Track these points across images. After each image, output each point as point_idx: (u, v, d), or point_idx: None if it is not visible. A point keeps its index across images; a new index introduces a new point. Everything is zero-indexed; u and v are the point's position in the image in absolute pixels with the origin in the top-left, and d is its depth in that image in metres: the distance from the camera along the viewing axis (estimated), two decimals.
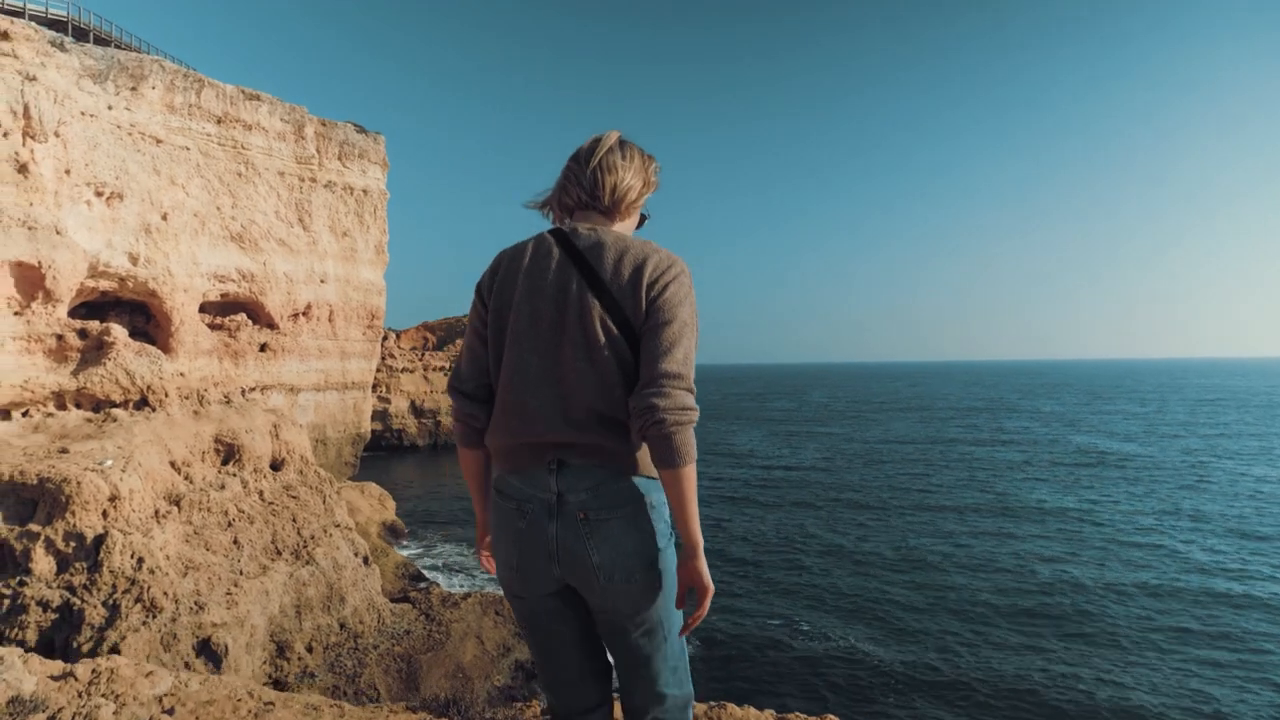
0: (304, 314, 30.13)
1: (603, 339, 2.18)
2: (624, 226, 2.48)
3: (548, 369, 2.24)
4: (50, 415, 16.74)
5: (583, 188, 2.38)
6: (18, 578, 12.32)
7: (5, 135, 16.61)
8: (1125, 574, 27.37)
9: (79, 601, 12.25)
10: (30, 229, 16.70)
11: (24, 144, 17.00)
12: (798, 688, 18.61)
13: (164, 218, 22.79)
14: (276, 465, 19.68)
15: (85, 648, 11.79)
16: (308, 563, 17.16)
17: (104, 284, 20.66)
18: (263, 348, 27.95)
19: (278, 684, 14.84)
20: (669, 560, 2.29)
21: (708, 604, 2.23)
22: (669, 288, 2.20)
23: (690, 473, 2.14)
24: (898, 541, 32.18)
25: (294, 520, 17.91)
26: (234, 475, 17.75)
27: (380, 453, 57.04)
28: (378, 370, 46.86)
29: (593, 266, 2.23)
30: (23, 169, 16.86)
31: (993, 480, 46.75)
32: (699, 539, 2.21)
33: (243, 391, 22.78)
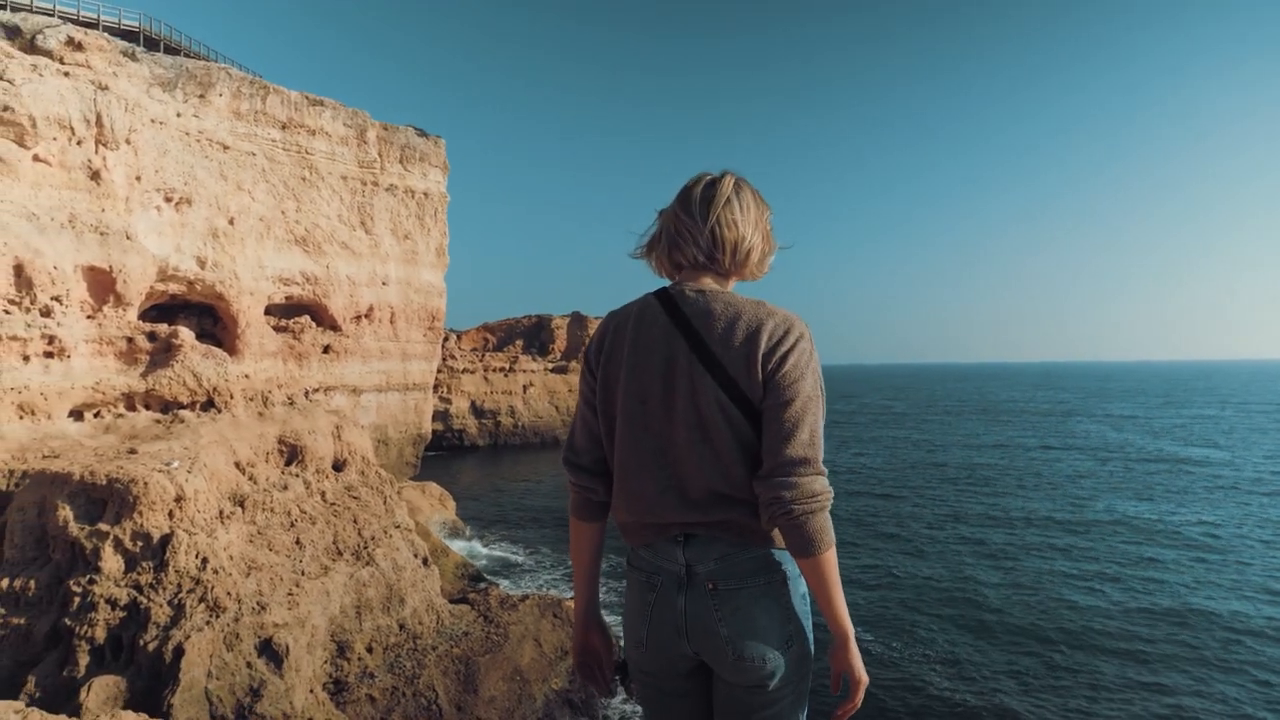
0: (366, 316, 30.50)
1: (717, 417, 2.00)
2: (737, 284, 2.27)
3: (661, 449, 2.07)
4: (120, 416, 17.14)
5: (700, 248, 2.12)
6: (88, 576, 12.55)
7: (79, 143, 17.05)
8: (1213, 594, 26.15)
9: (145, 600, 12.43)
10: (102, 234, 17.12)
11: (96, 151, 17.45)
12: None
13: (230, 222, 23.24)
14: (338, 466, 19.87)
15: (151, 646, 11.96)
16: (368, 563, 17.24)
17: (173, 287, 21.13)
18: (326, 349, 28.35)
19: (338, 684, 14.93)
20: (804, 641, 2.11)
21: (860, 696, 2.05)
22: (788, 358, 1.99)
23: (829, 558, 1.97)
24: (970, 555, 31.16)
25: (355, 521, 18.03)
26: (297, 476, 17.94)
27: (441, 452, 57.71)
28: (438, 371, 47.39)
29: (701, 336, 2.03)
30: (95, 176, 17.30)
31: (1068, 489, 45.05)
32: (848, 626, 2.04)
33: (306, 393, 23.10)
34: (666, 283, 2.23)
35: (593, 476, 2.25)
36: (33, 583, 12.61)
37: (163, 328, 18.73)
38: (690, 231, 2.12)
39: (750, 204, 2.15)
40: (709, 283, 2.14)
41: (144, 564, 12.87)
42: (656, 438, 2.07)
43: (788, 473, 1.93)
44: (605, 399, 2.18)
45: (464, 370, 65.65)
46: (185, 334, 18.81)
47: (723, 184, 2.13)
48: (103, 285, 17.37)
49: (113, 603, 12.39)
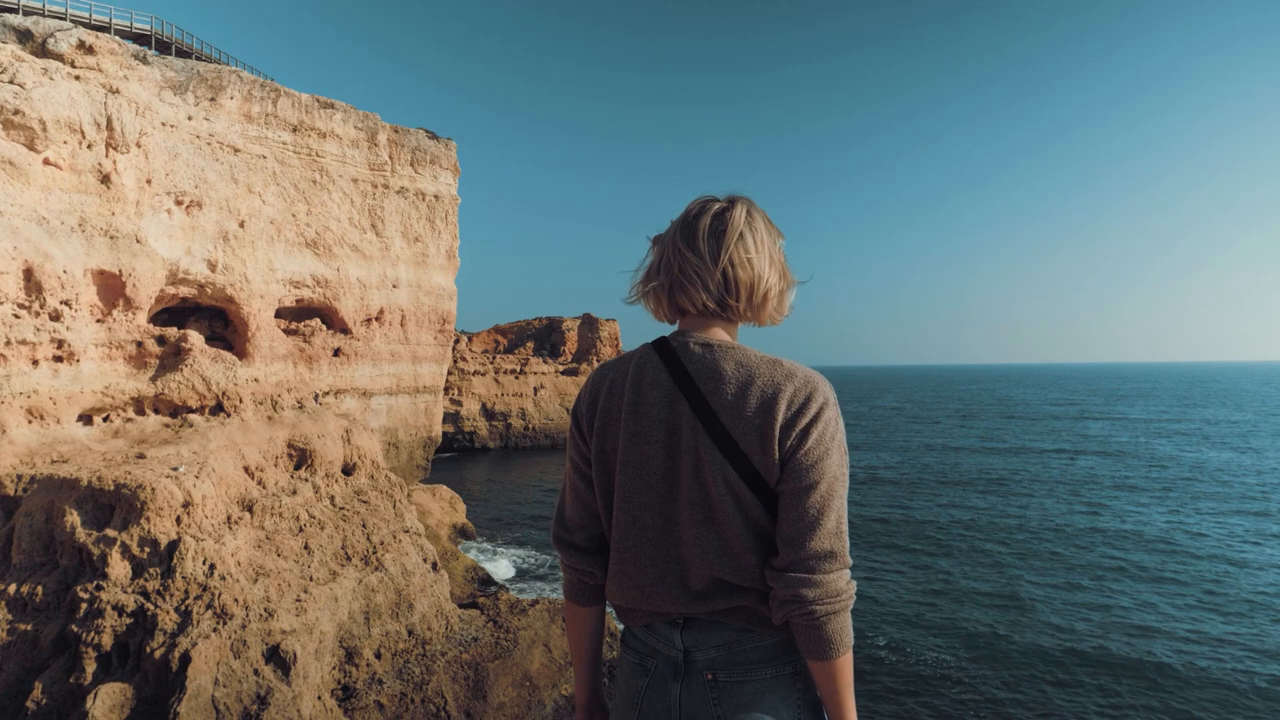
0: (377, 319, 30.48)
1: (725, 498, 1.74)
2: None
3: (662, 529, 1.82)
4: (130, 420, 17.09)
5: (709, 292, 1.81)
6: (95, 582, 12.49)
7: (89, 147, 17.03)
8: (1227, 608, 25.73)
9: (153, 607, 12.35)
10: (112, 238, 17.10)
11: (107, 155, 17.43)
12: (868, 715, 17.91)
13: (241, 225, 23.22)
14: (348, 470, 19.79)
15: (158, 653, 11.87)
16: (377, 569, 17.15)
17: (183, 290, 21.12)
18: (336, 352, 28.33)
19: (346, 690, 14.83)
20: None
21: None
22: (810, 432, 1.71)
23: (845, 663, 1.73)
24: (988, 562, 30.80)
25: (364, 526, 17.94)
26: (306, 480, 17.86)
27: (452, 454, 57.70)
28: (449, 373, 47.34)
29: (707, 401, 1.76)
30: (105, 179, 17.28)
31: (1092, 497, 44.36)
32: None
33: (316, 396, 23.03)
34: (666, 327, 1.96)
35: (588, 557, 1.98)
36: (40, 588, 12.55)
37: (172, 331, 18.68)
38: (698, 272, 1.80)
39: (764, 236, 1.85)
40: (718, 333, 1.86)
41: (151, 570, 12.80)
42: (657, 516, 1.81)
43: (811, 568, 1.69)
44: (601, 469, 1.90)
45: (475, 372, 65.65)
46: (195, 337, 18.76)
47: (734, 215, 1.82)
48: (112, 289, 17.35)
49: (120, 609, 12.32)
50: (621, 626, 2.03)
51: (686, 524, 1.78)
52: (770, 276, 1.84)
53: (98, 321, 17.12)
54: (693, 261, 1.81)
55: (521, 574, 29.53)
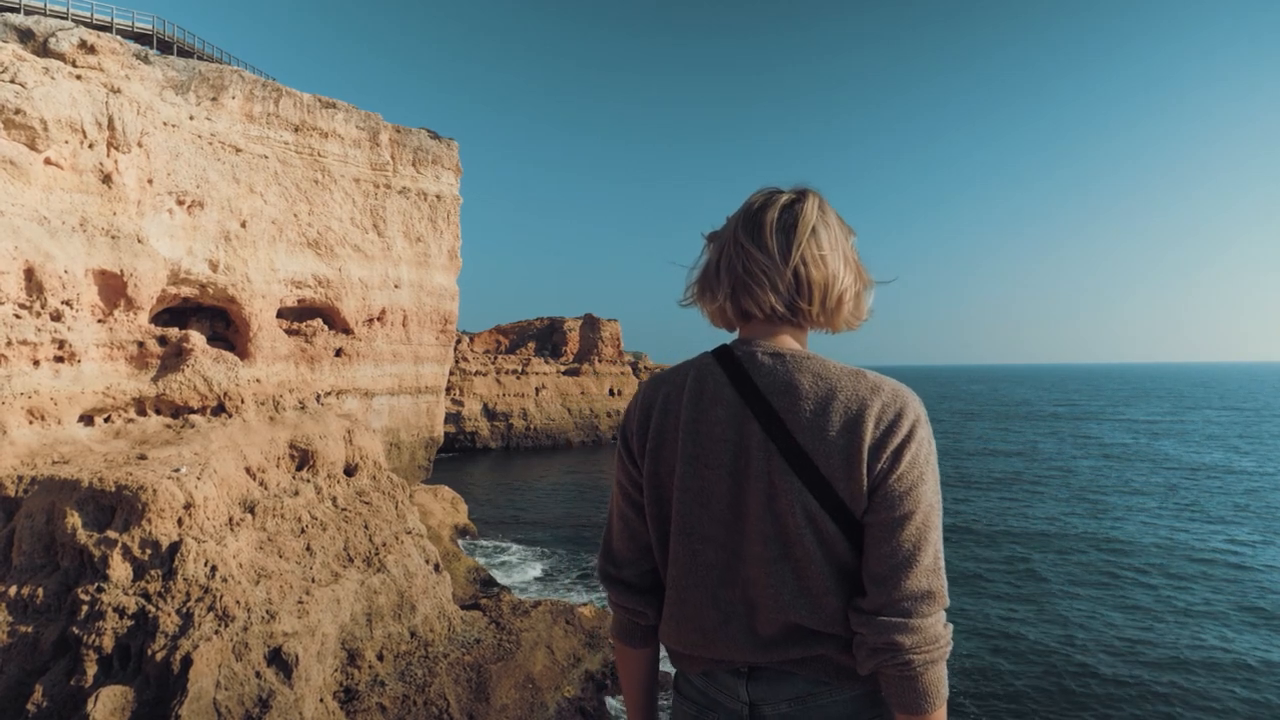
0: (378, 319, 30.42)
1: (804, 530, 1.52)
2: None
3: (727, 566, 1.60)
4: (131, 421, 17.03)
5: (779, 294, 1.59)
6: (96, 584, 12.42)
7: (90, 146, 16.98)
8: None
9: (154, 609, 12.29)
10: (113, 238, 17.04)
11: (108, 155, 17.37)
12: None
13: (243, 225, 23.17)
14: (350, 470, 19.71)
15: (159, 656, 11.81)
16: (379, 570, 17.08)
17: (185, 290, 21.06)
18: (338, 353, 28.27)
19: (348, 692, 14.77)
20: None
21: None
22: (903, 454, 1.50)
23: (940, 717, 1.52)
24: (1002, 568, 30.63)
25: (366, 527, 17.87)
26: (308, 481, 17.79)
27: (453, 454, 57.64)
28: (451, 373, 47.26)
29: (782, 420, 1.53)
30: (107, 179, 17.23)
31: (1095, 499, 44.14)
32: None
33: (317, 396, 22.96)
34: (725, 334, 1.75)
35: (639, 595, 1.77)
36: (41, 590, 12.49)
37: (174, 331, 18.62)
38: (766, 272, 1.58)
39: (838, 233, 1.63)
40: (788, 341, 1.64)
41: (152, 572, 12.73)
42: (721, 551, 1.60)
43: (907, 611, 1.48)
44: (655, 497, 1.68)
45: (476, 372, 65.60)
46: (196, 338, 18.70)
47: (805, 208, 1.61)
48: (114, 289, 17.29)
49: (121, 611, 12.25)
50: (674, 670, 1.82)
51: (756, 561, 1.57)
52: (845, 277, 1.63)
53: (99, 322, 17.06)
54: (760, 260, 1.59)
55: (524, 575, 29.44)
